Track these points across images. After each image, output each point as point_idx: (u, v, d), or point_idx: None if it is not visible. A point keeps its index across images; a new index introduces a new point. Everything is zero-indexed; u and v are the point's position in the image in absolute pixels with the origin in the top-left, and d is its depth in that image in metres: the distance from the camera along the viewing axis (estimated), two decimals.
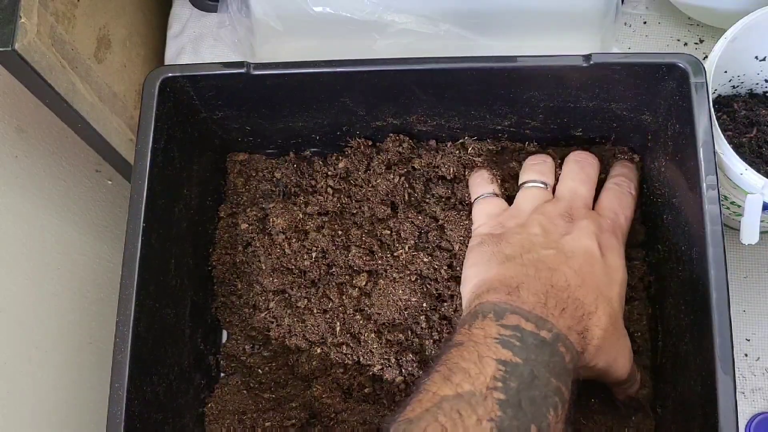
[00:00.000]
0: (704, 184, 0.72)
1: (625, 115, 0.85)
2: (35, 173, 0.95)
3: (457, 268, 0.86)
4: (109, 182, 1.10)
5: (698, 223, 0.72)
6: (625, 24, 1.07)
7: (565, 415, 0.66)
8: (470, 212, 0.88)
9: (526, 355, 0.66)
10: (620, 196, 0.84)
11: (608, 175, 0.87)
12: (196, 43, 1.12)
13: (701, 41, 1.06)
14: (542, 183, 0.84)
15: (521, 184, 0.85)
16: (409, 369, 0.85)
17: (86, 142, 0.99)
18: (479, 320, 0.69)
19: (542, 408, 0.64)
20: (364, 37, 0.99)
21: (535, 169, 0.86)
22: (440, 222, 0.88)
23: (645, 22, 1.07)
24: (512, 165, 0.89)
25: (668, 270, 0.81)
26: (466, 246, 0.84)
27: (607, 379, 0.77)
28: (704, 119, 0.73)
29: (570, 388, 0.68)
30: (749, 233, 0.81)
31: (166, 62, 1.13)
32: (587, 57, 0.77)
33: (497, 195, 0.86)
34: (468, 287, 0.78)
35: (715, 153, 0.73)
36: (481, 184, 0.87)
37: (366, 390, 0.85)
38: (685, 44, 1.06)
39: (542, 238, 0.77)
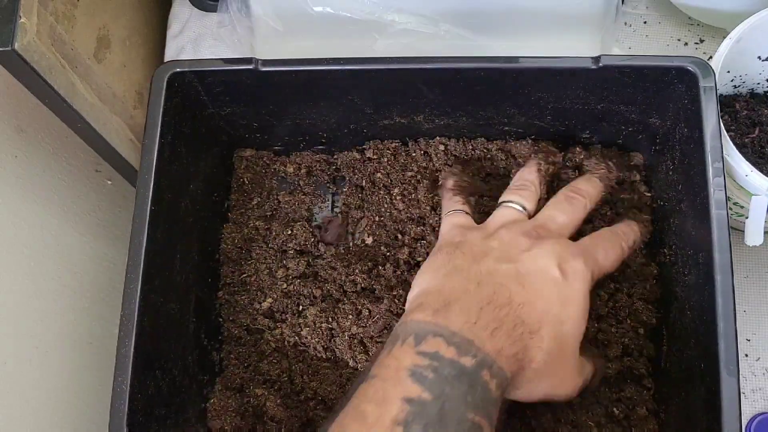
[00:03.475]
0: (712, 189, 0.72)
1: (634, 118, 0.85)
2: (35, 173, 0.94)
3: None
4: (109, 182, 1.10)
5: (705, 228, 0.72)
6: (626, 24, 1.07)
7: None
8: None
9: (439, 390, 0.61)
10: (611, 239, 0.80)
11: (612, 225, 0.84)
12: (196, 43, 1.12)
13: (701, 41, 1.06)
14: (521, 206, 0.81)
15: (500, 203, 0.83)
16: None
17: (86, 142, 0.98)
18: (397, 346, 0.65)
19: None
20: (364, 37, 0.99)
21: (519, 193, 0.83)
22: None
23: (645, 22, 1.07)
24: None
25: (674, 274, 0.81)
26: None
27: (546, 400, 0.75)
28: (713, 123, 0.73)
29: (494, 417, 0.64)
30: (754, 235, 0.82)
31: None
32: (596, 59, 0.77)
33: (468, 213, 0.84)
34: (410, 296, 0.75)
35: (723, 157, 0.73)
36: (453, 200, 0.85)
37: None
38: (686, 44, 1.06)
39: (499, 252, 0.74)
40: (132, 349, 0.73)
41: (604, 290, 0.85)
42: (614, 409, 0.83)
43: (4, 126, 0.89)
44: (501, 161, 0.91)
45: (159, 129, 0.78)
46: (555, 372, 0.71)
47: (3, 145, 0.89)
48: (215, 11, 1.07)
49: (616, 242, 0.80)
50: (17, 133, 0.91)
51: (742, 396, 0.90)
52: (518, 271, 0.71)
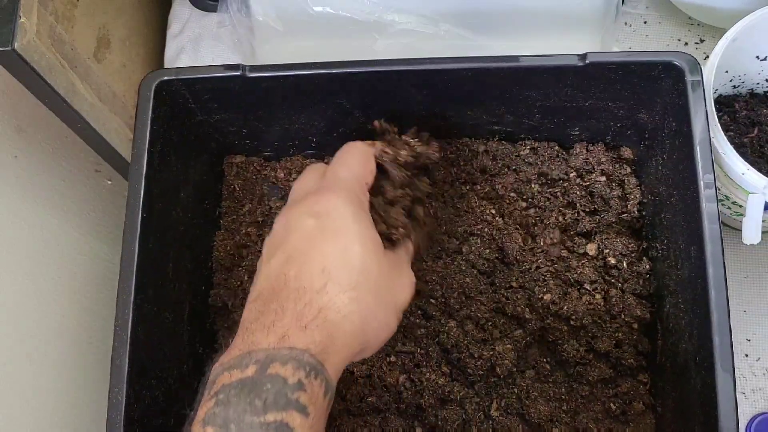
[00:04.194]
0: (701, 183, 0.72)
1: (622, 114, 0.85)
2: (35, 173, 0.95)
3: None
4: (109, 182, 1.10)
5: (696, 221, 0.72)
6: (626, 24, 1.07)
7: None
8: None
9: (223, 417, 0.58)
10: (348, 150, 0.77)
11: None
12: (196, 43, 1.12)
13: (702, 41, 1.05)
14: None
15: None
16: (408, 369, 0.85)
17: (86, 142, 0.99)
18: (201, 405, 0.62)
19: None
20: (364, 37, 0.99)
21: None
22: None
23: (645, 22, 1.07)
24: None
25: (667, 269, 0.81)
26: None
27: (408, 304, 0.73)
28: (701, 117, 0.73)
29: (309, 400, 0.60)
30: (751, 233, 0.81)
31: (166, 62, 1.13)
32: (583, 56, 0.76)
33: None
34: None
35: (712, 151, 0.73)
36: None
37: (369, 399, 0.85)
38: (686, 44, 1.05)
39: (268, 250, 0.71)
40: (127, 360, 0.72)
41: (597, 285, 0.85)
42: (611, 404, 0.83)
43: (4, 126, 0.89)
44: (487, 161, 0.92)
45: (148, 138, 0.77)
46: (381, 295, 0.68)
47: (3, 145, 0.89)
48: (215, 11, 1.08)
49: (353, 150, 0.77)
50: (17, 133, 0.91)
51: (742, 396, 0.90)
52: (285, 250, 0.68)
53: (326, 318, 0.63)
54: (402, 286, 0.73)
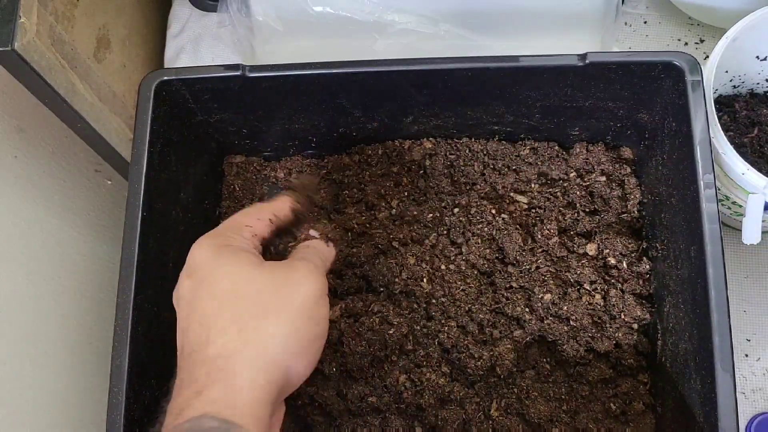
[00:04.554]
0: (701, 183, 0.71)
1: (622, 114, 0.85)
2: (35, 173, 0.95)
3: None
4: (109, 182, 1.10)
5: (696, 221, 0.72)
6: (626, 24, 1.07)
7: None
8: None
9: None
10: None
11: None
12: (196, 43, 1.12)
13: (702, 41, 1.06)
14: None
15: None
16: (408, 369, 0.85)
17: (86, 142, 0.99)
18: None
19: None
20: (364, 37, 0.99)
21: None
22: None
23: (645, 22, 1.07)
24: None
25: (667, 269, 0.81)
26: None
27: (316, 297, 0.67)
28: (701, 117, 0.73)
29: None
30: (751, 233, 0.81)
31: (166, 62, 1.13)
32: (583, 56, 0.76)
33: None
34: None
35: (712, 151, 0.72)
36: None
37: (370, 399, 0.85)
38: (686, 44, 1.06)
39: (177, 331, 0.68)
40: (127, 360, 0.72)
41: (597, 285, 0.85)
42: (611, 404, 0.83)
43: (4, 126, 0.89)
44: (487, 161, 0.92)
45: (148, 138, 0.77)
46: (272, 295, 0.64)
47: (3, 145, 0.89)
48: (215, 11, 1.08)
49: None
50: (17, 133, 0.91)
51: (742, 396, 0.90)
52: (179, 325, 0.66)
53: (219, 369, 0.60)
54: (295, 285, 0.66)
